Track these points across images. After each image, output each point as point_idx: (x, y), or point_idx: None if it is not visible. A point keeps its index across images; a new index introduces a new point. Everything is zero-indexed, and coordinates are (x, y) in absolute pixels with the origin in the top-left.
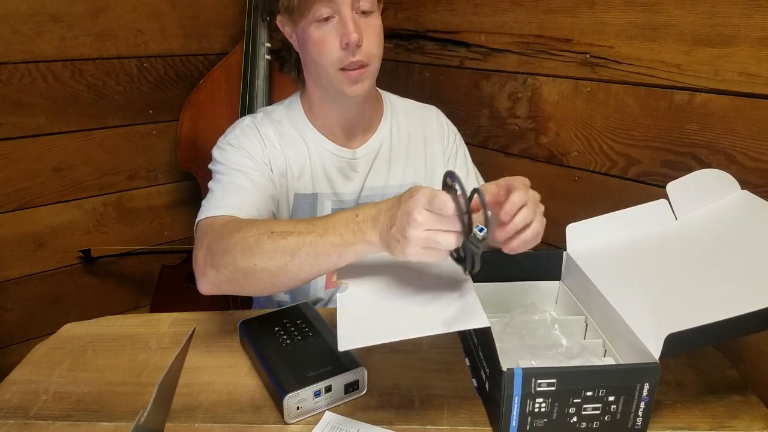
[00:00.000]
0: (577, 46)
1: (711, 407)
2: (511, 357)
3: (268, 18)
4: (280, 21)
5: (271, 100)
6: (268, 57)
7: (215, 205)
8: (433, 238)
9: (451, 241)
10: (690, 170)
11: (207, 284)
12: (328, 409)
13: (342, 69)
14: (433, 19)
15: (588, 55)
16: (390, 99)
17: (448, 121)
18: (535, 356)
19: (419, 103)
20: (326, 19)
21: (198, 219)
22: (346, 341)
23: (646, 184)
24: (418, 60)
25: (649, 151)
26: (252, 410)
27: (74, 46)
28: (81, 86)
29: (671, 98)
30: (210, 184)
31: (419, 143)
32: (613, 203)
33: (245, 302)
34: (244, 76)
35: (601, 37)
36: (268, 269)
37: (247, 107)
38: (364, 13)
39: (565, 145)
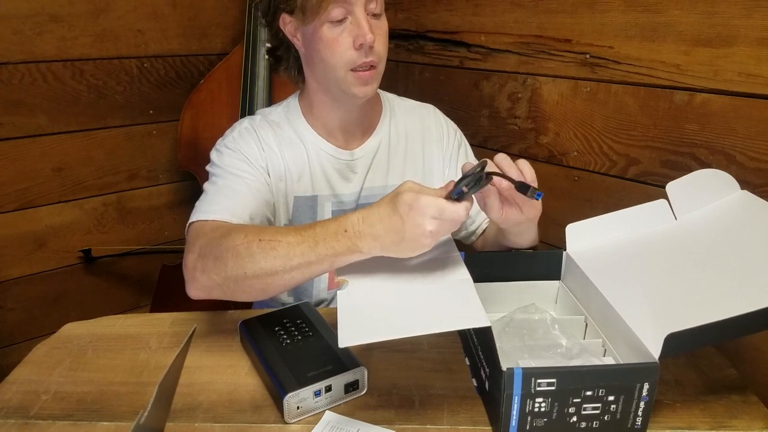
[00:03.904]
0: (576, 47)
1: (710, 407)
2: (511, 357)
3: (269, 17)
4: (283, 20)
5: (271, 101)
6: (268, 57)
7: (208, 209)
8: (444, 233)
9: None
10: (690, 170)
11: (196, 289)
12: (328, 409)
13: (352, 70)
14: (433, 19)
15: (588, 56)
16: (388, 99)
17: (447, 120)
18: (535, 356)
19: (417, 102)
20: (340, 21)
21: (190, 221)
22: (347, 338)
23: (646, 184)
24: (418, 60)
25: (649, 151)
26: (252, 410)
27: (74, 46)
28: (81, 86)
29: (671, 98)
30: (205, 186)
31: (417, 142)
32: (613, 203)
33: (246, 302)
34: (244, 77)
35: (601, 38)
36: (259, 277)
37: (247, 107)
38: (374, 15)
39: (565, 145)
